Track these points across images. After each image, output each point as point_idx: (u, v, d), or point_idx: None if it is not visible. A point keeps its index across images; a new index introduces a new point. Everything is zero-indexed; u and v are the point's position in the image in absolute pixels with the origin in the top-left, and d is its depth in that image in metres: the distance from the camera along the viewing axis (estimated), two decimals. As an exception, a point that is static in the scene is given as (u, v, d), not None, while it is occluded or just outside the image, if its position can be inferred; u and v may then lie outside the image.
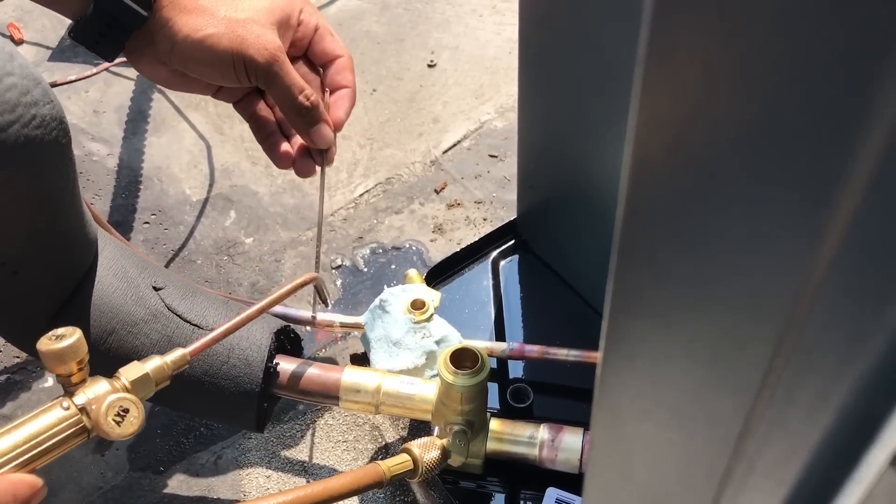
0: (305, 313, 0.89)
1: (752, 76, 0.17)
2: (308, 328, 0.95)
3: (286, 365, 0.77)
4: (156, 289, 0.75)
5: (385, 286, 0.98)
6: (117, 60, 1.16)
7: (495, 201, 1.10)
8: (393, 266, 1.05)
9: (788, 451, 0.21)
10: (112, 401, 0.57)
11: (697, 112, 0.19)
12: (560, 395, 0.87)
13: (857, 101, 0.15)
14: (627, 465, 0.30)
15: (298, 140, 0.77)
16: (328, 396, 0.77)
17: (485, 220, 1.08)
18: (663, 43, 0.18)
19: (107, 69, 1.14)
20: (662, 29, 0.18)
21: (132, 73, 1.30)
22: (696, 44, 0.18)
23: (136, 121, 1.23)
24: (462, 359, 0.72)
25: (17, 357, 0.98)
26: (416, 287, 0.86)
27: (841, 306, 0.18)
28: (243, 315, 0.66)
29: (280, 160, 0.77)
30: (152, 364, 0.61)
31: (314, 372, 0.77)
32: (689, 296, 0.22)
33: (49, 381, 0.96)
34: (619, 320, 0.26)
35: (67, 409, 0.57)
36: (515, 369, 0.87)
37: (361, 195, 1.13)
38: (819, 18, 0.15)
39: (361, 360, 0.94)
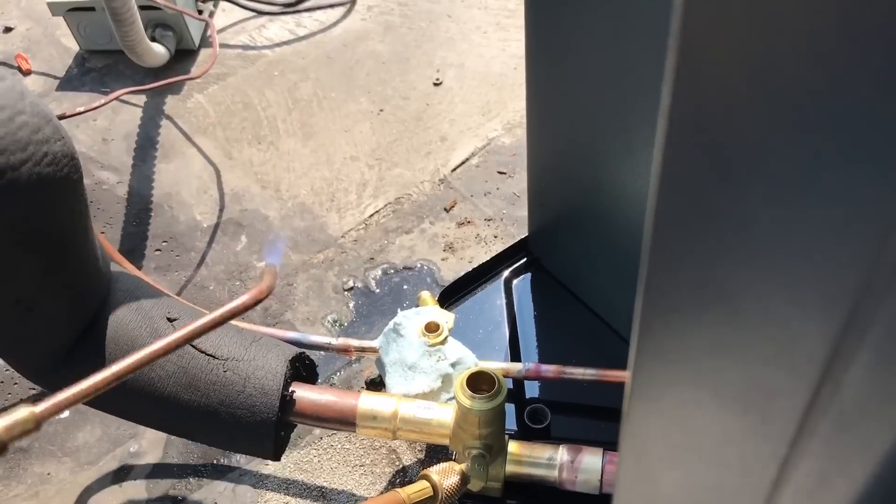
0: (320, 338, 0.89)
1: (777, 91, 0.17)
2: (322, 352, 0.95)
3: (302, 392, 0.76)
4: (170, 320, 0.75)
5: (398, 308, 0.97)
6: (123, 90, 1.16)
7: (506, 218, 1.10)
8: (405, 286, 1.05)
9: (825, 502, 0.21)
10: None
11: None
12: (578, 415, 0.86)
13: None
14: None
15: None
16: (345, 423, 0.76)
17: (496, 237, 1.08)
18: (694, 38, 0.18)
19: (117, 98, 1.14)
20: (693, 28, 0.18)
21: (140, 100, 1.30)
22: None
23: (145, 148, 1.24)
24: (479, 382, 0.72)
25: (33, 389, 0.99)
26: (430, 309, 0.86)
27: (883, 361, 0.17)
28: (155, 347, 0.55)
29: None
30: None
31: (330, 399, 0.76)
32: (718, 343, 0.22)
33: (65, 412, 0.96)
34: (646, 364, 0.26)
35: None
36: (532, 389, 0.87)
37: (371, 216, 1.13)
38: None
39: (377, 384, 0.93)
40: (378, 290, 1.05)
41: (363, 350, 0.87)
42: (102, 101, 1.07)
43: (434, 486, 0.69)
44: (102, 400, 0.76)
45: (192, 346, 0.74)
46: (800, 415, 0.20)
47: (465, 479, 0.71)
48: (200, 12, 1.38)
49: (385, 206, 1.14)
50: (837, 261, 0.17)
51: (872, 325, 0.17)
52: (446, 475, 0.70)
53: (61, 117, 1.05)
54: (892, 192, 0.16)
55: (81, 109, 1.04)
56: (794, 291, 0.19)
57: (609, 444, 0.75)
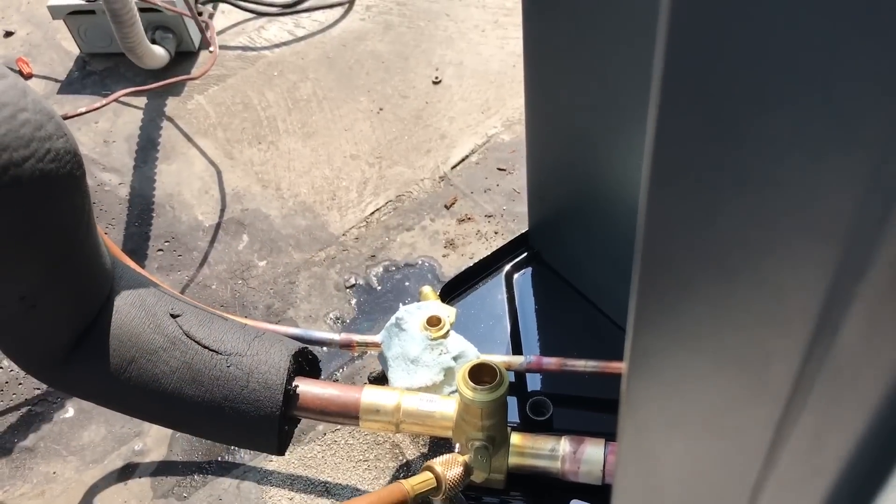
0: (323, 334, 0.90)
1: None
2: (325, 348, 0.95)
3: (305, 387, 0.77)
4: (173, 316, 0.76)
5: (400, 304, 0.98)
6: (124, 91, 1.17)
7: (506, 214, 1.10)
8: (407, 283, 1.05)
9: (823, 461, 0.21)
10: None
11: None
12: (580, 407, 0.86)
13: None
14: (656, 479, 0.30)
15: None
16: (348, 417, 0.77)
17: (496, 233, 1.08)
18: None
19: (116, 100, 1.15)
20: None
21: (141, 102, 1.31)
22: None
23: (147, 149, 1.24)
24: (480, 374, 0.72)
25: (38, 389, 0.99)
26: (431, 304, 0.86)
27: (874, 318, 0.18)
28: None
29: None
30: None
31: (333, 393, 0.77)
32: (714, 310, 0.22)
33: (70, 411, 0.97)
34: (643, 334, 0.26)
35: None
36: (534, 382, 0.87)
37: (372, 213, 1.13)
38: None
39: (380, 381, 0.94)
40: (380, 287, 1.05)
41: (366, 345, 0.88)
42: (103, 102, 1.07)
43: (437, 477, 0.70)
44: (108, 397, 0.77)
45: (196, 342, 0.75)
46: (795, 374, 0.21)
47: (468, 470, 0.72)
48: (200, 14, 1.39)
49: (386, 203, 1.14)
50: (826, 220, 0.18)
51: (862, 280, 0.18)
52: (450, 466, 0.71)
53: (63, 119, 1.05)
54: (877, 149, 0.17)
55: (83, 110, 1.05)
56: (785, 252, 0.19)
57: (611, 435, 0.75)
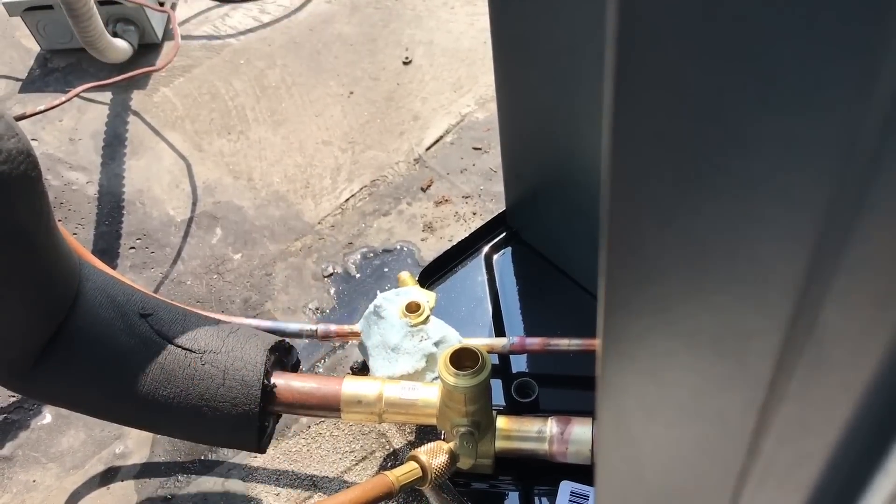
0: (301, 326, 0.88)
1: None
2: (305, 340, 0.94)
3: (284, 381, 0.75)
4: (144, 315, 0.74)
5: (378, 291, 0.96)
6: (86, 85, 1.14)
7: (483, 194, 1.09)
8: (386, 269, 1.03)
9: (809, 447, 0.20)
10: None
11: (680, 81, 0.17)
12: (565, 386, 0.85)
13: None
14: (638, 467, 0.29)
15: None
16: (329, 409, 0.75)
17: (474, 214, 1.07)
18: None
19: (77, 95, 1.12)
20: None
21: (106, 97, 1.28)
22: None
23: (113, 145, 1.21)
24: (462, 359, 0.71)
25: (13, 396, 0.97)
26: (410, 289, 0.84)
27: (853, 294, 0.16)
28: None
29: None
30: None
31: (313, 386, 0.75)
32: (687, 287, 0.21)
33: (48, 417, 0.95)
34: (615, 318, 0.24)
35: None
36: (518, 363, 0.86)
37: (347, 200, 1.11)
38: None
39: (363, 370, 0.92)
40: (358, 275, 1.03)
41: (345, 335, 0.86)
42: (63, 99, 1.04)
43: (423, 467, 0.68)
44: (81, 402, 0.75)
45: (168, 341, 0.73)
46: (776, 356, 0.19)
47: (453, 457, 0.70)
48: (162, 4, 1.35)
49: (361, 189, 1.12)
50: (803, 188, 0.16)
51: (844, 252, 0.16)
52: (435, 455, 0.69)
53: (21, 118, 1.03)
54: (853, 116, 0.15)
55: (41, 108, 1.02)
56: (761, 224, 0.18)
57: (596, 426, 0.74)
